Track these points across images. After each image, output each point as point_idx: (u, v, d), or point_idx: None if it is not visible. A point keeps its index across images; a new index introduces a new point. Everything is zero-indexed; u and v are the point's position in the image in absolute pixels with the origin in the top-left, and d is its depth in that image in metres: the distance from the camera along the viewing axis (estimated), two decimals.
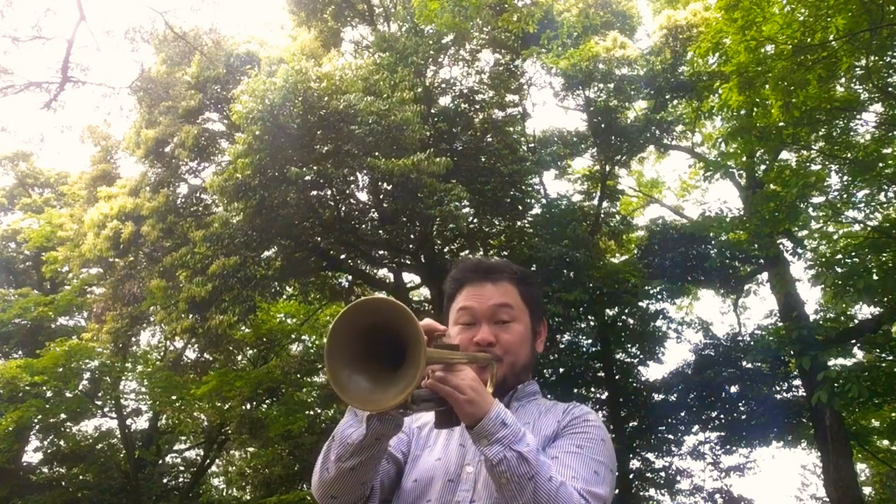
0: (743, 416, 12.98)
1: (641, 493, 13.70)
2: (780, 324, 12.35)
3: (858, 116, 9.11)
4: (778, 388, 13.08)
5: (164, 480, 18.38)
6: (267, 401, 15.68)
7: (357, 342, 1.20)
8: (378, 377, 1.21)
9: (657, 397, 13.80)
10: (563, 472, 1.35)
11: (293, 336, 16.89)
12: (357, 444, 1.33)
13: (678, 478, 13.61)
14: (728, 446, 13.29)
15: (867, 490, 16.93)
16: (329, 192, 11.35)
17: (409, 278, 14.84)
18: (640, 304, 13.19)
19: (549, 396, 1.70)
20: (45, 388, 14.49)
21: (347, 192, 11.77)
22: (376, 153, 10.13)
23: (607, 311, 13.25)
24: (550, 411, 1.58)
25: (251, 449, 17.15)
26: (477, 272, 1.64)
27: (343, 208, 11.77)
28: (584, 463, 1.41)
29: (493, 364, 1.51)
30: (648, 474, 13.80)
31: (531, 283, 1.69)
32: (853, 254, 9.77)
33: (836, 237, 11.03)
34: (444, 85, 12.91)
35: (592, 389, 14.06)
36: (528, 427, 1.47)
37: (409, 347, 1.17)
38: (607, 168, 14.31)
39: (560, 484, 1.28)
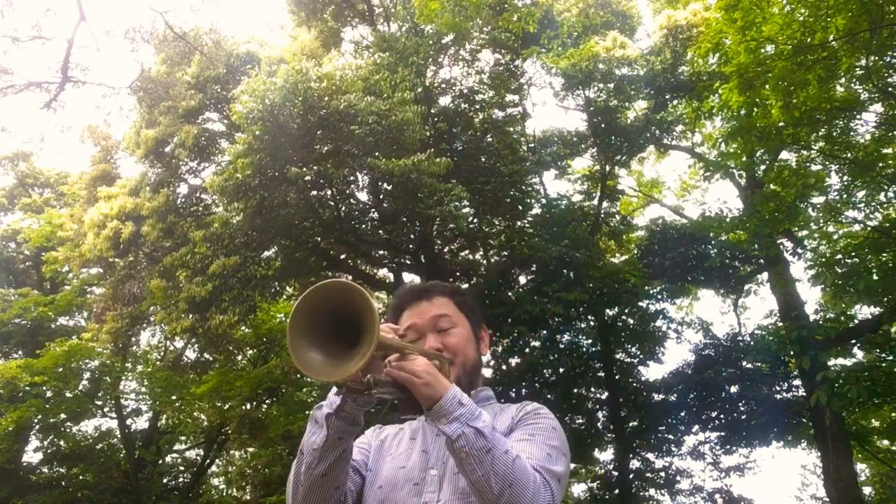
0: (743, 416, 12.98)
1: (641, 493, 13.70)
2: (780, 324, 12.35)
3: (858, 116, 9.11)
4: (778, 388, 13.08)
5: (164, 480, 18.38)
6: (267, 401, 15.68)
7: (318, 323, 1.31)
8: (336, 353, 1.31)
9: (657, 397, 13.80)
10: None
11: None
12: (322, 446, 1.42)
13: (678, 478, 13.62)
14: (728, 446, 13.29)
15: (867, 490, 16.90)
16: (329, 192, 11.34)
17: (409, 278, 14.80)
18: (640, 304, 13.18)
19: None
20: (45, 388, 14.49)
21: (347, 192, 11.76)
22: (376, 153, 10.11)
23: (607, 311, 13.24)
24: (505, 411, 1.69)
25: (251, 449, 17.11)
26: (412, 294, 1.81)
27: (343, 208, 11.75)
28: (536, 446, 1.51)
29: (446, 364, 1.60)
30: (648, 474, 13.80)
31: (463, 295, 1.87)
32: (853, 254, 9.76)
33: (836, 237, 11.02)
34: (444, 85, 12.91)
35: (592, 389, 14.06)
36: None
37: (363, 322, 1.26)
38: (607, 168, 14.29)
39: (516, 457, 1.37)
